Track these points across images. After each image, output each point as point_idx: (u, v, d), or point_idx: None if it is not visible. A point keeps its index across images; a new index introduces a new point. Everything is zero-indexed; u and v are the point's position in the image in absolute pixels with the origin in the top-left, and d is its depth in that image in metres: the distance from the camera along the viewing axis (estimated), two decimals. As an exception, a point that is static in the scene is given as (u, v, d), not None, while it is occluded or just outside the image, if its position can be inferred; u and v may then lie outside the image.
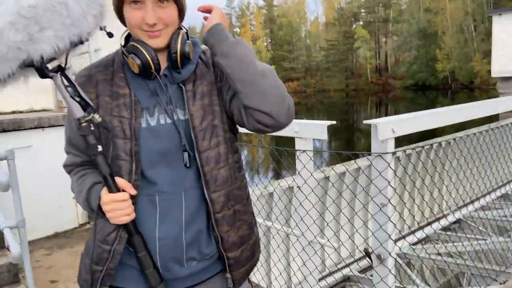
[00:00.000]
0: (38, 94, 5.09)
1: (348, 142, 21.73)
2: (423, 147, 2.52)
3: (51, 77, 0.96)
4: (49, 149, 4.17)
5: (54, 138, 4.20)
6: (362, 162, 3.52)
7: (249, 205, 1.22)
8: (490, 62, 10.63)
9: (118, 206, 1.01)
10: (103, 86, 1.08)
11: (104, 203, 1.02)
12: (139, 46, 1.04)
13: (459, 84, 46.20)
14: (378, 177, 1.95)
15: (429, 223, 2.39)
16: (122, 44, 1.11)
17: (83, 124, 0.98)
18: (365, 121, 1.93)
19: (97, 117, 1.00)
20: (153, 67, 1.04)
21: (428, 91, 45.53)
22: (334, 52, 63.51)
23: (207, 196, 1.08)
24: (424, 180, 3.49)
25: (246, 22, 73.11)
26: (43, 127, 4.08)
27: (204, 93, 1.10)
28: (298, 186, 2.31)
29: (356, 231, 2.20)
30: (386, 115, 31.25)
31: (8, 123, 3.83)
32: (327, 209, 2.30)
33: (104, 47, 4.06)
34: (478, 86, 42.68)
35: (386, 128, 1.89)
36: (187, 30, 1.14)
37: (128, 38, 1.12)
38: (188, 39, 1.11)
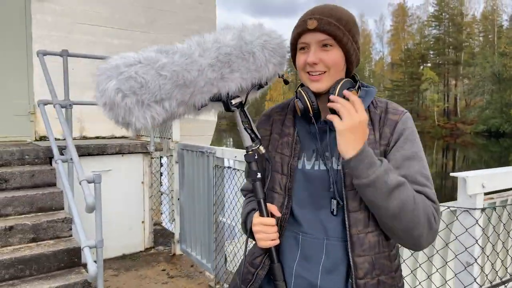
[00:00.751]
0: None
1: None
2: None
3: (232, 111, 1.13)
4: (125, 174, 4.44)
5: (131, 164, 4.47)
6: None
7: (398, 279, 1.13)
8: None
9: (265, 230, 1.09)
10: (276, 125, 1.23)
11: (253, 224, 1.12)
12: (301, 91, 1.12)
13: (537, 132, 42.79)
14: (464, 233, 1.83)
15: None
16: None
17: (250, 152, 1.14)
18: (452, 173, 1.83)
19: (261, 149, 1.14)
20: (311, 111, 1.10)
21: (501, 138, 42.45)
22: (399, 93, 62.05)
23: (350, 258, 1.05)
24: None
25: (310, 60, 74.02)
26: (123, 153, 4.36)
27: None
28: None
29: (437, 289, 2.05)
30: (454, 161, 29.45)
31: (94, 148, 4.15)
32: (404, 262, 2.18)
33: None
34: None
35: (476, 182, 1.78)
36: (357, 78, 1.16)
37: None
38: (356, 88, 1.10)
